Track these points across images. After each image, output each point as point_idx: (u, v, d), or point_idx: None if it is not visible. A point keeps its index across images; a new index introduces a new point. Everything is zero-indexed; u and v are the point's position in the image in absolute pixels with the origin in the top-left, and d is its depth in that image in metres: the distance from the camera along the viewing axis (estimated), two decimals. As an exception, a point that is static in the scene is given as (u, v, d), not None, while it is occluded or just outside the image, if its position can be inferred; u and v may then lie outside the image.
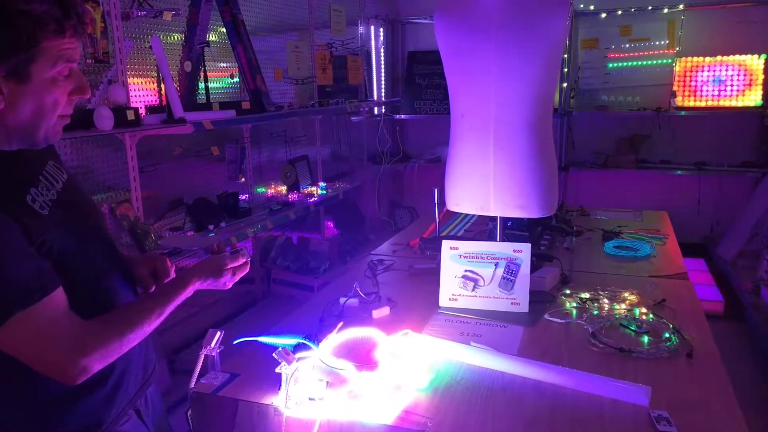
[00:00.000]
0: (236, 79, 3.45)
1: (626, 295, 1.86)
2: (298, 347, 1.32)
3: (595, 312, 1.75)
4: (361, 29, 4.92)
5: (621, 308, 1.77)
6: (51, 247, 1.00)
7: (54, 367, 0.98)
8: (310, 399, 1.29)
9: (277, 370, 1.32)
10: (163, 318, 1.14)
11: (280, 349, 1.30)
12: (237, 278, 1.29)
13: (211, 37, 3.23)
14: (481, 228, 2.63)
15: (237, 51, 3.06)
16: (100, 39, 2.31)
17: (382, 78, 5.44)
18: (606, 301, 1.83)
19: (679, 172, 4.89)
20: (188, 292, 1.20)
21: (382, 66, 5.41)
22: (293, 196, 3.68)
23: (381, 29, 5.29)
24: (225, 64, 3.40)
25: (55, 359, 0.98)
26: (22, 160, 1.04)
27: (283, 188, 3.83)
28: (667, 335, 1.57)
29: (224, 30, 3.10)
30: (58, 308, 0.99)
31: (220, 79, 3.39)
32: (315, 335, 1.50)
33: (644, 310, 1.74)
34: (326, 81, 4.13)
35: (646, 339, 1.57)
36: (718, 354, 1.50)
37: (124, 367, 1.16)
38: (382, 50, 5.36)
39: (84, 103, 2.34)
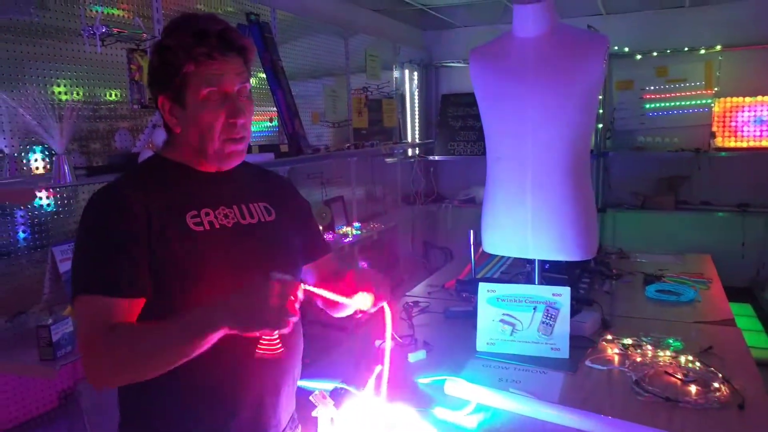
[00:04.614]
0: (275, 123, 3.53)
1: (670, 341, 1.81)
2: (334, 391, 1.31)
3: (639, 359, 1.70)
4: (396, 73, 5.02)
5: (665, 355, 1.71)
6: (161, 259, 1.07)
7: (85, 366, 1.03)
8: (347, 445, 1.27)
9: (314, 413, 1.31)
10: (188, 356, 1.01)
11: (316, 392, 1.30)
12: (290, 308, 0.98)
13: (252, 82, 3.32)
14: (518, 270, 2.60)
15: (276, 96, 3.15)
16: (146, 86, 2.41)
17: (416, 120, 5.50)
18: (650, 347, 1.77)
19: (720, 213, 4.77)
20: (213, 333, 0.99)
21: (416, 108, 5.47)
22: (329, 236, 3.70)
23: (415, 73, 5.38)
24: (264, 108, 3.50)
25: (85, 360, 1.02)
26: (218, 179, 1.20)
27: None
28: (716, 385, 1.51)
29: (264, 75, 3.19)
30: (116, 315, 1.02)
31: (260, 122, 3.48)
32: (352, 379, 1.49)
33: (690, 357, 1.67)
34: (362, 124, 4.20)
35: (693, 388, 1.51)
36: (771, 406, 1.43)
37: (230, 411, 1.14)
38: (416, 93, 5.43)
39: (130, 146, 2.43)
